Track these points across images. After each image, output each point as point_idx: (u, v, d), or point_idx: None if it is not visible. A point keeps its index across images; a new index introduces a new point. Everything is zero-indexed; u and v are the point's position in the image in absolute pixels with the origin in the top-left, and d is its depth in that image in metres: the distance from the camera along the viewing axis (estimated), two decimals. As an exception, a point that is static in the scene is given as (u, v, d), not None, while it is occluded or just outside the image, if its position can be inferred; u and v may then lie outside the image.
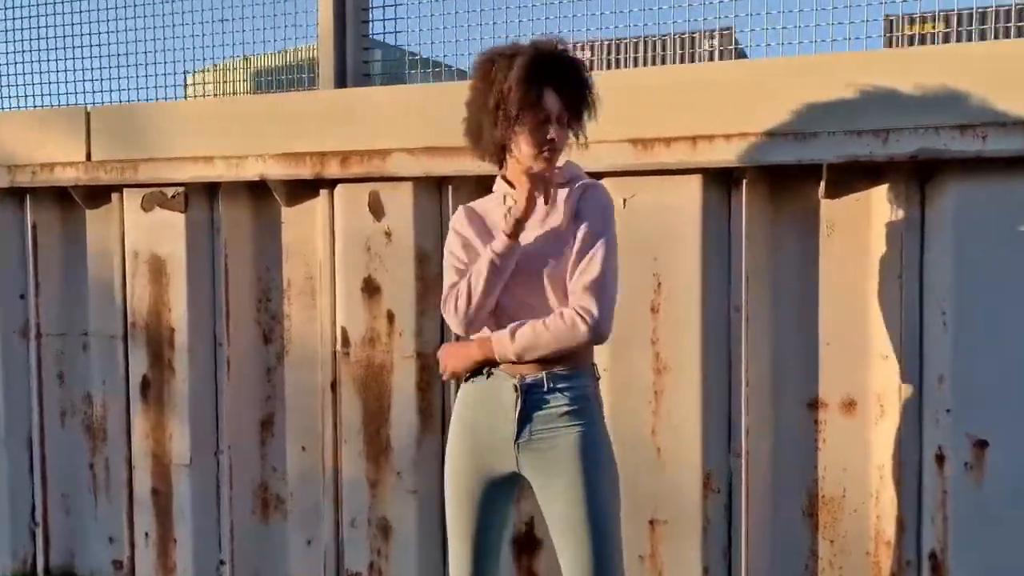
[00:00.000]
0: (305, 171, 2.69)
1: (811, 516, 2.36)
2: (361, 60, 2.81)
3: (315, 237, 2.87)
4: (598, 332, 1.72)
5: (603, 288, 1.73)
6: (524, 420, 1.79)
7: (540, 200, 1.77)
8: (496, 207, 1.91)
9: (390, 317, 2.66)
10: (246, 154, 2.76)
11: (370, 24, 2.82)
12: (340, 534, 2.78)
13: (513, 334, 1.76)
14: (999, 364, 2.07)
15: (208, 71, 3.58)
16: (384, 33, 2.83)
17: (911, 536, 2.21)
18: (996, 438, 2.08)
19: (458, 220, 1.96)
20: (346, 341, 2.73)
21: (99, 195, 3.11)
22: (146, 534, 3.05)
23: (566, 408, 1.78)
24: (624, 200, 2.34)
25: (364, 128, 2.61)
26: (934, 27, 2.67)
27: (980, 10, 2.45)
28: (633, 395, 2.39)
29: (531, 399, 1.79)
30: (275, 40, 3.21)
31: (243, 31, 3.19)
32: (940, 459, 2.15)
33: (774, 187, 2.33)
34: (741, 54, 2.91)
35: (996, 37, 2.43)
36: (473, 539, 1.88)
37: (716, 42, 3.04)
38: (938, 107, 2.04)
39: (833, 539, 2.33)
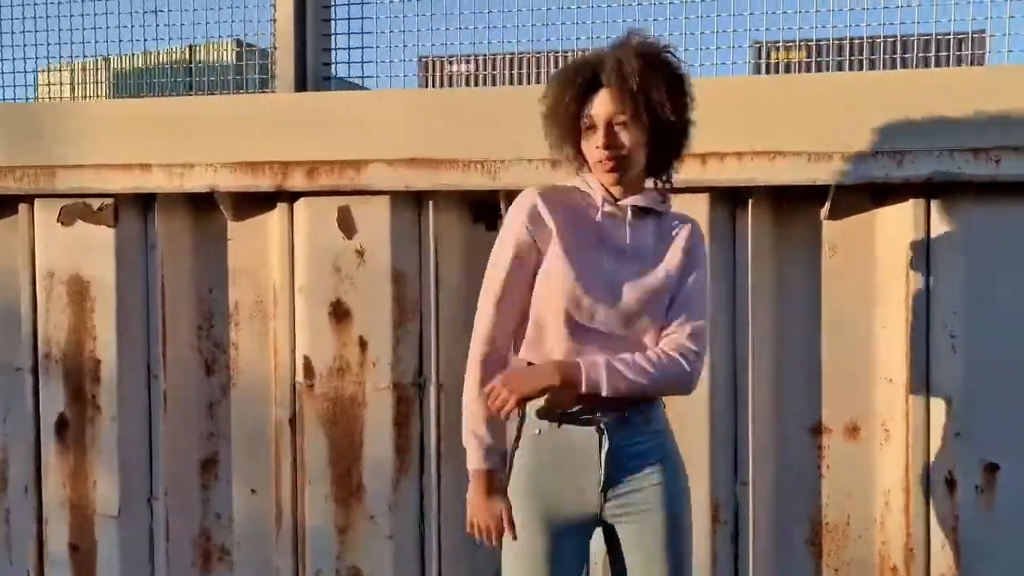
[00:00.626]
0: (264, 182, 2.41)
1: (814, 544, 2.30)
2: (321, 62, 2.56)
3: (268, 255, 2.58)
4: (696, 379, 1.59)
5: (705, 340, 1.63)
6: (610, 464, 1.61)
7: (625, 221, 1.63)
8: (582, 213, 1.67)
9: (362, 344, 2.41)
10: (192, 162, 2.44)
11: (332, 23, 2.56)
12: (303, 587, 2.50)
13: (612, 368, 1.55)
14: (1009, 387, 2.07)
15: (62, 69, 3.30)
16: (349, 33, 2.58)
17: (920, 562, 2.19)
18: (1007, 461, 2.08)
19: (530, 217, 1.65)
20: (309, 371, 2.45)
21: (1, 206, 2.69)
22: (62, 597, 2.65)
23: (652, 446, 1.64)
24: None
25: (335, 136, 2.36)
26: (799, 56, 2.75)
27: (838, 41, 2.57)
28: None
29: (617, 440, 1.61)
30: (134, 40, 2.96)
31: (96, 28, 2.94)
32: (950, 483, 2.13)
33: (780, 208, 2.27)
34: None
35: (857, 68, 2.54)
36: None
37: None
38: (952, 130, 2.03)
39: (838, 567, 2.28)
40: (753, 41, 2.69)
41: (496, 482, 1.65)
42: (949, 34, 2.48)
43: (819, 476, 2.29)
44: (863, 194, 2.18)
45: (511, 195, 1.78)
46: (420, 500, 2.44)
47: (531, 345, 1.65)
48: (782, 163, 2.12)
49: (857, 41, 2.60)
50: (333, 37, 2.56)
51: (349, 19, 2.57)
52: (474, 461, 1.65)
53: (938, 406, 2.15)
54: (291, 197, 2.48)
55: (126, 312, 2.58)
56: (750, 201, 2.22)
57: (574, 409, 1.61)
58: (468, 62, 2.88)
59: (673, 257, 1.64)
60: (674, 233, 1.67)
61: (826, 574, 2.29)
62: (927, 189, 2.12)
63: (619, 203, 1.63)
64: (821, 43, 2.68)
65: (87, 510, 2.60)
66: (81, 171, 2.51)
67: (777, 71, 2.79)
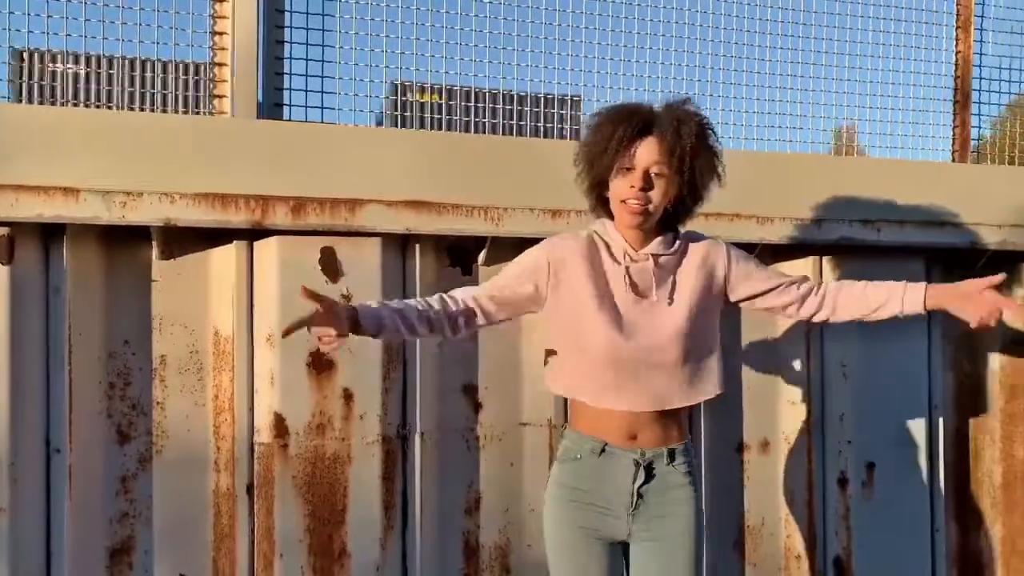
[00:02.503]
0: (237, 218, 2.11)
1: (738, 547, 2.71)
2: (274, 87, 2.31)
3: (206, 300, 2.25)
4: None
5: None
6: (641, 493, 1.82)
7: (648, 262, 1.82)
8: (602, 252, 1.84)
9: (347, 397, 2.23)
10: (141, 190, 2.04)
11: (287, 45, 2.33)
12: (269, 676, 2.19)
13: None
14: (884, 405, 2.70)
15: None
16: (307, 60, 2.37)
17: (820, 548, 2.71)
18: (881, 460, 2.70)
19: (558, 255, 1.85)
20: (282, 430, 2.19)
21: None
22: None
23: (682, 479, 1.85)
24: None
25: (326, 170, 2.17)
26: (433, 98, 2.86)
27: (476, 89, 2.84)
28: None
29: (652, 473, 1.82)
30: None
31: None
32: (843, 481, 2.69)
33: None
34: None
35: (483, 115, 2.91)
36: None
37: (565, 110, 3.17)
38: (849, 205, 2.61)
39: (756, 562, 2.71)
40: (391, 82, 2.71)
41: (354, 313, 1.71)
42: (552, 95, 2.86)
43: (743, 487, 2.70)
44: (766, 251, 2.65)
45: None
46: (403, 557, 2.32)
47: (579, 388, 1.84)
48: (741, 224, 2.50)
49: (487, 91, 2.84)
50: (288, 61, 2.33)
51: (307, 44, 2.37)
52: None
53: (832, 421, 2.70)
54: (251, 235, 2.21)
55: (21, 370, 2.04)
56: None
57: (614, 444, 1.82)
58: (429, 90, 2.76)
59: (690, 283, 1.84)
60: (699, 256, 1.87)
61: (748, 571, 2.71)
62: (820, 249, 2.67)
63: (639, 251, 1.82)
64: (453, 88, 2.81)
65: (-45, 635, 1.98)
66: (-31, 192, 1.94)
67: (412, 110, 2.82)
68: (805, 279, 1.96)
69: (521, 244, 2.31)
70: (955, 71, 2.91)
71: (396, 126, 2.65)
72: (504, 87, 2.78)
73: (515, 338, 2.46)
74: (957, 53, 2.89)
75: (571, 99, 2.96)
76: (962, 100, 2.90)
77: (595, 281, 1.80)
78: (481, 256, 2.41)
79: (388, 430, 2.28)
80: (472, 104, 2.90)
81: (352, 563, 2.23)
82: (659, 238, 1.83)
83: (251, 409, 2.22)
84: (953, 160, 3.00)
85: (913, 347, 2.75)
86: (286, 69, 2.34)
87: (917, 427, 2.75)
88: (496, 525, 2.45)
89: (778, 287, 1.92)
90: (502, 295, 1.86)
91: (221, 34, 2.27)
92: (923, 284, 1.89)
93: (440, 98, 2.77)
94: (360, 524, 2.24)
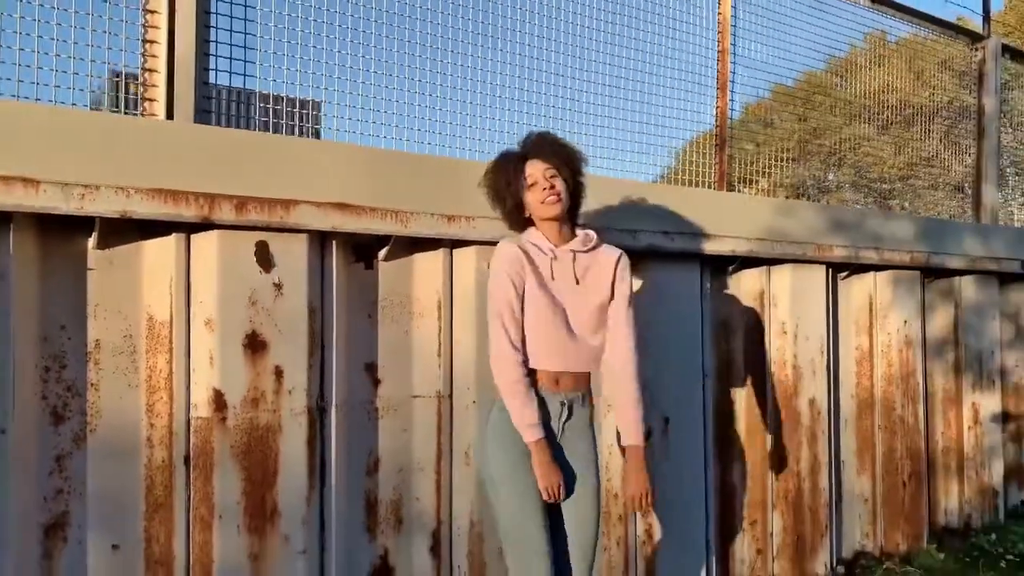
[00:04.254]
0: (188, 212, 2.33)
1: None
2: (203, 96, 2.54)
3: (138, 287, 2.43)
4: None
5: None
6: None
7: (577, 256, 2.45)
8: (538, 257, 2.41)
9: (278, 374, 2.53)
10: (99, 183, 2.19)
11: (212, 58, 2.57)
12: (207, 628, 2.41)
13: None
14: (673, 374, 3.52)
15: None
16: (230, 72, 2.61)
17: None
18: (673, 416, 3.52)
19: (514, 263, 2.36)
20: (221, 405, 2.43)
21: None
22: None
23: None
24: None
25: (266, 173, 2.46)
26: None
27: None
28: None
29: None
30: None
31: None
32: (648, 432, 3.46)
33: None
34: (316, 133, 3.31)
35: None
36: None
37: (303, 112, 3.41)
38: (656, 220, 3.40)
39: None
40: (112, 74, 2.70)
41: (550, 447, 2.31)
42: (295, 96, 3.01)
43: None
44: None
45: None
46: (321, 513, 2.65)
47: (532, 353, 2.39)
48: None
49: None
50: (215, 70, 2.57)
51: (230, 57, 2.61)
52: (534, 434, 2.29)
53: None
54: (189, 228, 2.44)
55: (-28, 354, 2.09)
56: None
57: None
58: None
59: (607, 281, 2.49)
60: (606, 262, 2.52)
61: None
62: (637, 253, 3.44)
63: (560, 248, 2.45)
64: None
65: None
66: (-76, 177, 1.98)
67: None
68: (620, 344, 2.50)
69: (419, 242, 2.79)
70: (716, 122, 3.85)
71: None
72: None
73: (407, 323, 2.90)
74: (717, 108, 3.84)
75: (312, 102, 3.19)
76: (720, 144, 3.85)
77: (538, 277, 2.38)
78: (382, 253, 2.82)
79: (311, 402, 2.61)
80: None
81: (282, 520, 2.53)
82: (576, 238, 2.45)
83: (187, 388, 2.43)
84: (716, 188, 3.96)
85: (692, 331, 3.62)
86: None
87: (695, 390, 3.62)
88: (391, 483, 2.86)
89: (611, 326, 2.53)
90: (515, 318, 2.36)
91: (152, 42, 2.45)
92: (633, 441, 2.52)
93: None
94: (289, 486, 2.54)
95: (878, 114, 5.42)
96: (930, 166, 5.78)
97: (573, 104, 3.64)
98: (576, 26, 3.71)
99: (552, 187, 2.37)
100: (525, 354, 2.36)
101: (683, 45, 3.84)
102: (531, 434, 2.30)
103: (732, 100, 3.88)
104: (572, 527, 2.43)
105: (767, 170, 4.48)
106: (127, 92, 2.52)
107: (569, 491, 2.40)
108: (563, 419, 2.41)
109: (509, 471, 2.33)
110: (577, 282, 2.43)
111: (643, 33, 3.87)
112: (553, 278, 2.41)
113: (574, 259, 2.43)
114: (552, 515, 2.40)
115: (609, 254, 2.53)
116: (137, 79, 2.50)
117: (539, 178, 2.38)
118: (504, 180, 2.42)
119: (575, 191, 2.48)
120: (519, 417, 2.31)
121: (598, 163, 3.69)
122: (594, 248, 2.50)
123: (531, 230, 2.46)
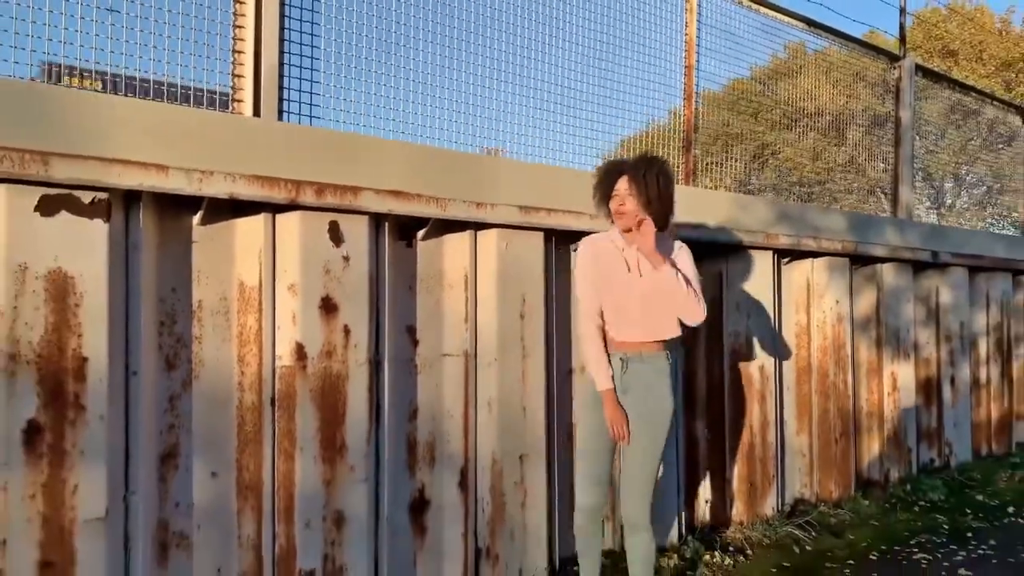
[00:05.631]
0: (279, 195, 2.82)
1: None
2: (282, 98, 3.04)
3: (232, 258, 2.91)
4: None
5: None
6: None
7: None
8: (609, 251, 3.03)
9: (346, 331, 3.04)
10: (212, 169, 2.67)
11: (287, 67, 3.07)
12: (290, 540, 2.90)
13: None
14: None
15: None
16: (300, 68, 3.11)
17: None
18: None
19: (584, 257, 3.04)
20: (302, 356, 2.93)
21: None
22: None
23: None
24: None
25: (338, 163, 2.97)
26: (93, 85, 2.99)
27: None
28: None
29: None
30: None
31: None
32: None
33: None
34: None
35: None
36: None
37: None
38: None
39: (579, 450, 3.98)
40: (45, 64, 2.80)
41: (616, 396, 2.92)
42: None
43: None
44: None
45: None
46: (377, 449, 3.17)
47: (606, 323, 3.01)
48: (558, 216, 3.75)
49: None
50: (288, 77, 3.07)
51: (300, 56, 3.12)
52: (604, 383, 2.91)
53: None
54: (274, 209, 2.93)
55: (116, 310, 2.55)
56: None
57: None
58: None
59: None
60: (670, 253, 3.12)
61: (574, 455, 3.96)
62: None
63: (628, 249, 3.06)
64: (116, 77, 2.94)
65: (63, 520, 2.43)
66: (84, 162, 2.43)
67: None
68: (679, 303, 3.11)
69: (450, 225, 3.34)
70: (684, 127, 4.50)
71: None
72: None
73: (440, 293, 3.44)
74: (685, 116, 4.49)
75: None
76: (687, 146, 4.50)
77: (607, 268, 3.01)
78: (421, 233, 3.36)
79: (371, 356, 3.13)
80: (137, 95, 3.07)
81: (349, 453, 3.04)
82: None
83: (273, 342, 2.92)
84: (685, 184, 4.61)
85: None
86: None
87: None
88: (427, 428, 3.40)
89: None
90: (593, 302, 3.00)
91: (240, 52, 2.94)
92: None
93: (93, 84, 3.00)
94: (354, 424, 3.06)
95: (796, 121, 6.16)
96: (846, 171, 6.59)
97: (566, 108, 4.24)
98: (565, 42, 4.32)
99: (623, 204, 2.94)
100: (600, 324, 2.99)
101: (655, 61, 4.48)
102: (604, 382, 2.94)
103: (696, 107, 4.55)
104: (625, 463, 3.01)
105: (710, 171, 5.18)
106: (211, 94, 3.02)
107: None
108: (622, 372, 2.99)
109: (588, 413, 2.98)
110: (640, 274, 3.00)
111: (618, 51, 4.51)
112: (628, 270, 3.00)
113: (638, 258, 3.02)
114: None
115: (665, 251, 3.08)
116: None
117: (620, 192, 2.96)
118: (603, 184, 3.03)
119: (661, 208, 2.96)
120: (593, 372, 2.97)
121: (590, 163, 4.30)
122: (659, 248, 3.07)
123: (613, 228, 3.06)
